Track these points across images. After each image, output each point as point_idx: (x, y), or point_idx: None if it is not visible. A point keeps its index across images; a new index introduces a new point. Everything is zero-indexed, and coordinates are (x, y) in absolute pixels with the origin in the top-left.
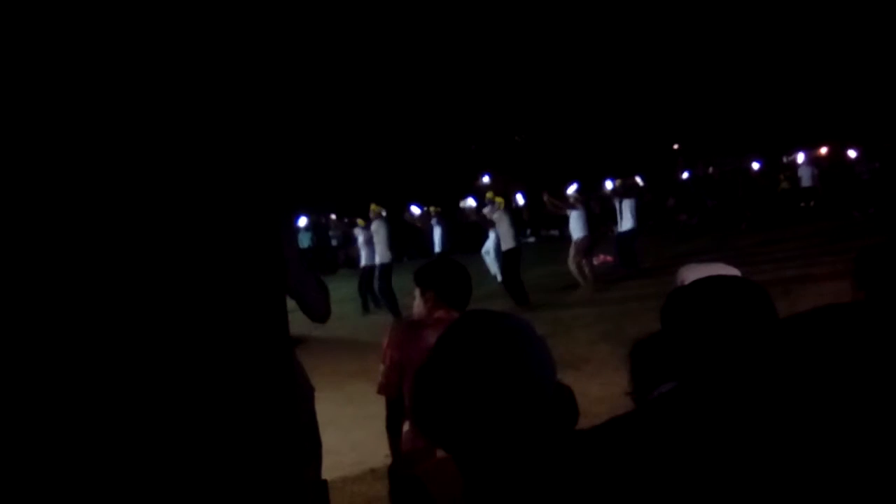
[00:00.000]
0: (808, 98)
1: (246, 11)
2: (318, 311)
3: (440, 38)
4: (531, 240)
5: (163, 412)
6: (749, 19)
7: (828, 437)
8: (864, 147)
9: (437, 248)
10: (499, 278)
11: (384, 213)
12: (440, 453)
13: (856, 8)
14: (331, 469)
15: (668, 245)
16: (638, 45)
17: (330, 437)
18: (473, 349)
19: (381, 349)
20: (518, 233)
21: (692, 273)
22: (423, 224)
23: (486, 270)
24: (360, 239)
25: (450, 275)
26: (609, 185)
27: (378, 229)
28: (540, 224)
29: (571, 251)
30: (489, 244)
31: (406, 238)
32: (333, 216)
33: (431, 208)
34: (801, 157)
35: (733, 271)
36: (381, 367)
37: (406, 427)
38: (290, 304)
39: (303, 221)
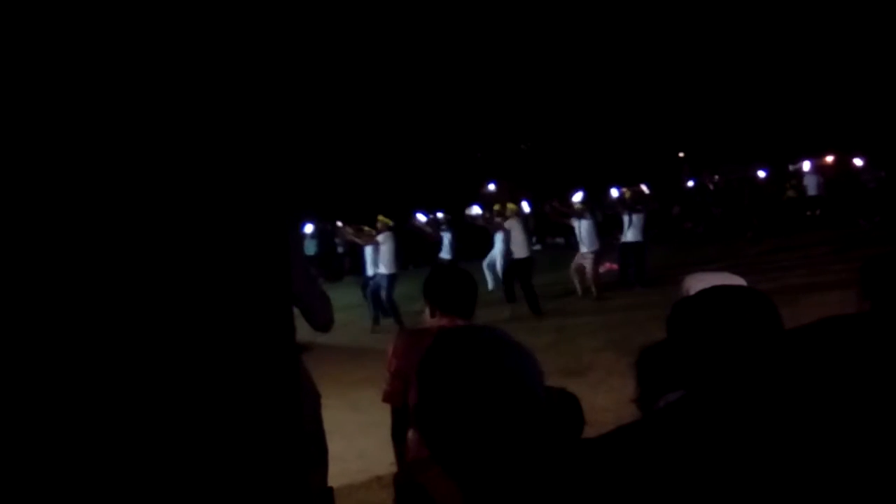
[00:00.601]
0: (813, 107)
1: (253, 18)
2: (322, 319)
3: (447, 45)
4: (537, 248)
5: (168, 417)
6: (755, 28)
7: (833, 445)
8: (870, 156)
9: (447, 255)
10: (490, 287)
11: (392, 225)
12: None
13: (861, 17)
14: (336, 476)
15: (674, 253)
16: (644, 54)
17: (335, 445)
18: (451, 367)
19: (386, 357)
20: (530, 241)
21: (697, 283)
22: (433, 232)
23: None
24: (368, 247)
25: (450, 284)
26: (615, 192)
27: (386, 241)
28: (546, 232)
29: (589, 266)
30: (494, 253)
31: (412, 246)
32: (340, 223)
33: (440, 215)
34: (806, 166)
35: (739, 281)
36: (386, 375)
37: (411, 435)
38: (294, 311)
39: (309, 229)
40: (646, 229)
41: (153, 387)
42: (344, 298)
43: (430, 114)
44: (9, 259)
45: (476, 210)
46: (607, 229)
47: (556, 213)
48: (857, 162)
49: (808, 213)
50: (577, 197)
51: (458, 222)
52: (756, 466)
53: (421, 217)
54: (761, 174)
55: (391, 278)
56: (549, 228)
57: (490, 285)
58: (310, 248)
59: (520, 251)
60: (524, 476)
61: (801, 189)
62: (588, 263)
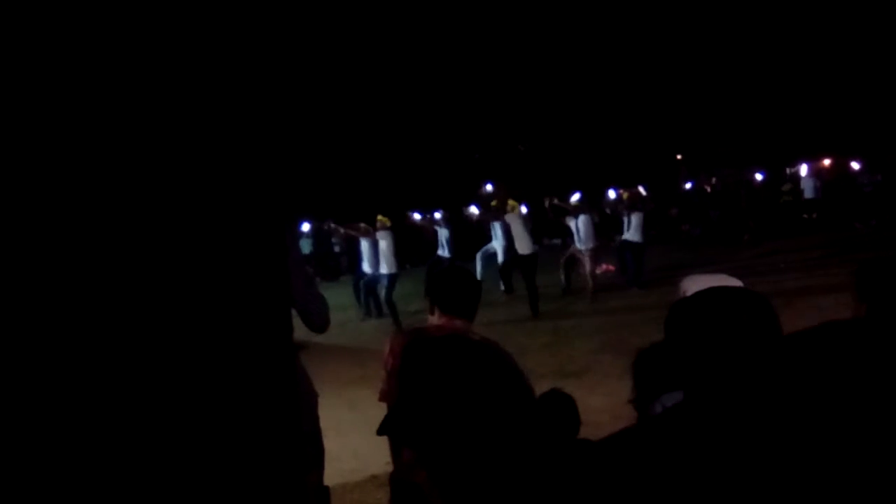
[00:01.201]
0: (810, 109)
1: (249, 19)
2: (318, 320)
3: (445, 46)
4: (535, 247)
5: (166, 417)
6: (752, 31)
7: (831, 450)
8: (867, 159)
9: (444, 253)
10: (479, 277)
11: (390, 225)
12: None
13: (859, 20)
14: (332, 475)
15: (671, 255)
16: (641, 56)
17: (331, 444)
18: (428, 377)
19: (383, 356)
20: (532, 239)
21: (694, 284)
22: (430, 228)
23: (494, 276)
24: (366, 246)
25: (452, 284)
26: (612, 194)
27: (385, 238)
28: (543, 232)
29: (587, 263)
30: (492, 246)
31: (409, 245)
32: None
33: (437, 215)
34: (803, 169)
35: (736, 282)
36: (383, 375)
37: None
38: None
39: (305, 228)
40: (644, 230)
41: (152, 386)
42: (340, 298)
43: (427, 114)
44: (10, 261)
45: (473, 210)
46: (604, 230)
47: (554, 209)
48: (854, 165)
49: (805, 216)
50: (575, 198)
51: (456, 220)
52: (755, 472)
53: (417, 217)
54: (758, 177)
55: (392, 278)
56: (547, 229)
57: (479, 276)
58: (305, 248)
59: (523, 247)
60: (521, 478)
61: (797, 192)
62: (586, 261)
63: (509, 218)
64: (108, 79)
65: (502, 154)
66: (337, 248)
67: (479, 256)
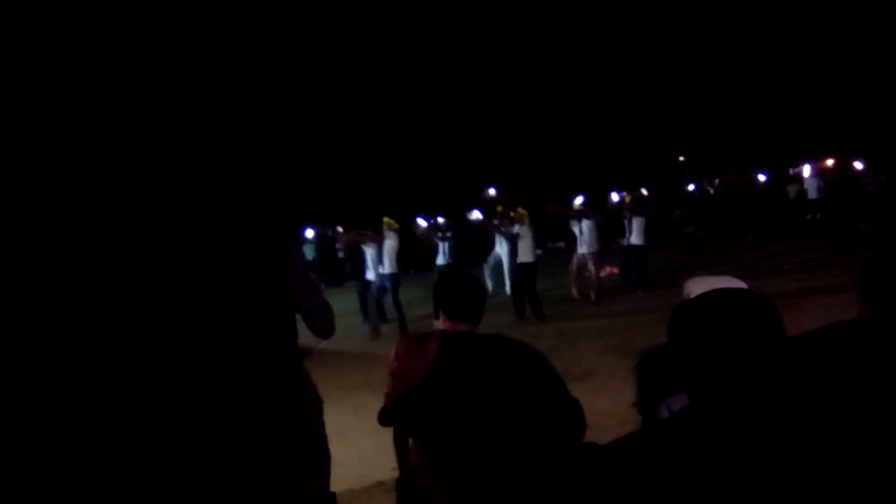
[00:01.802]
0: (813, 110)
1: (253, 25)
2: (323, 326)
3: (447, 50)
4: (538, 252)
5: (171, 423)
6: (755, 31)
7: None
8: (871, 159)
9: (447, 260)
10: (489, 289)
11: (397, 227)
12: None
13: (862, 20)
14: (338, 481)
15: (675, 257)
16: (643, 58)
17: (337, 450)
18: (455, 383)
19: (388, 361)
20: (536, 244)
21: (698, 286)
22: (432, 238)
23: (500, 280)
24: (370, 250)
25: (458, 289)
26: (615, 197)
27: (391, 239)
28: (546, 236)
29: (592, 267)
30: (499, 255)
31: (411, 251)
32: (340, 228)
33: (441, 220)
34: (807, 170)
35: (740, 284)
36: (388, 380)
37: (413, 440)
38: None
39: (309, 234)
40: (647, 233)
41: (157, 393)
42: (345, 303)
43: (430, 119)
44: (10, 263)
45: (476, 215)
46: (608, 233)
47: (557, 216)
48: (858, 165)
49: (809, 216)
50: (578, 201)
51: (460, 227)
52: (765, 480)
53: (421, 222)
54: (761, 178)
55: (395, 278)
56: (550, 233)
57: (489, 288)
58: (308, 253)
59: (526, 256)
60: (528, 483)
61: (801, 192)
62: (591, 265)
63: (521, 231)
64: (107, 82)
65: (505, 158)
66: (341, 254)
67: (486, 267)
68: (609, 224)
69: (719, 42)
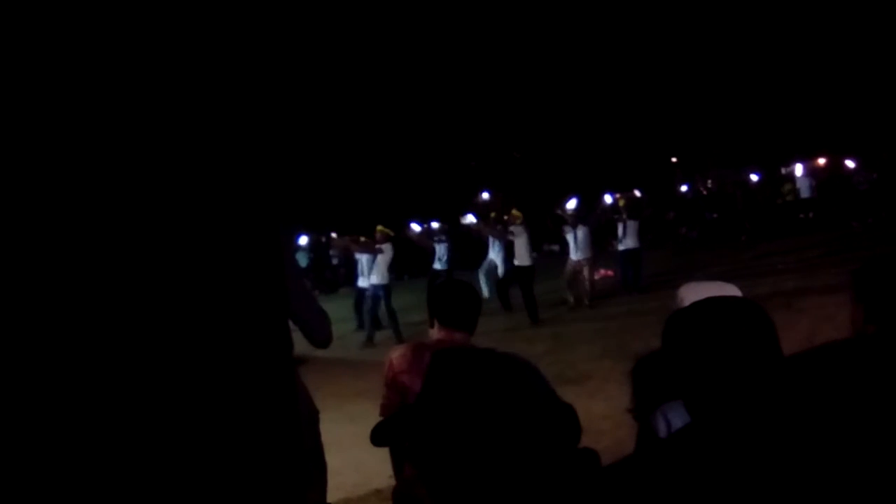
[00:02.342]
0: (805, 109)
1: (245, 29)
2: (320, 335)
3: (440, 54)
4: (534, 255)
5: (163, 432)
6: (746, 31)
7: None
8: (863, 157)
9: (441, 266)
10: (486, 294)
11: (392, 235)
12: None
13: (854, 19)
14: (334, 490)
15: (669, 259)
16: (635, 60)
17: (332, 458)
18: (447, 399)
19: (383, 369)
20: (532, 248)
21: (692, 293)
22: (428, 241)
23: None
24: (363, 257)
25: (452, 297)
26: (609, 199)
27: (386, 251)
28: (542, 239)
29: (587, 273)
30: (492, 260)
31: (406, 256)
32: (334, 234)
33: (435, 225)
34: (799, 169)
35: (733, 290)
36: (383, 389)
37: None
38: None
39: (303, 241)
40: (641, 235)
41: (147, 404)
42: (340, 311)
43: (423, 123)
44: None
45: (471, 219)
46: (601, 236)
47: (554, 219)
48: (850, 164)
49: (801, 215)
50: (571, 204)
51: (454, 232)
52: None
53: (415, 227)
54: (754, 178)
55: (386, 289)
56: (546, 236)
57: (486, 293)
58: (302, 260)
59: (522, 259)
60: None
61: (795, 192)
62: (586, 271)
63: (515, 231)
64: (100, 83)
65: (498, 161)
66: (335, 261)
67: (480, 273)
68: (602, 226)
69: (710, 43)
